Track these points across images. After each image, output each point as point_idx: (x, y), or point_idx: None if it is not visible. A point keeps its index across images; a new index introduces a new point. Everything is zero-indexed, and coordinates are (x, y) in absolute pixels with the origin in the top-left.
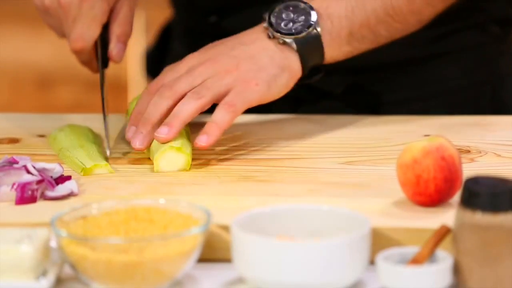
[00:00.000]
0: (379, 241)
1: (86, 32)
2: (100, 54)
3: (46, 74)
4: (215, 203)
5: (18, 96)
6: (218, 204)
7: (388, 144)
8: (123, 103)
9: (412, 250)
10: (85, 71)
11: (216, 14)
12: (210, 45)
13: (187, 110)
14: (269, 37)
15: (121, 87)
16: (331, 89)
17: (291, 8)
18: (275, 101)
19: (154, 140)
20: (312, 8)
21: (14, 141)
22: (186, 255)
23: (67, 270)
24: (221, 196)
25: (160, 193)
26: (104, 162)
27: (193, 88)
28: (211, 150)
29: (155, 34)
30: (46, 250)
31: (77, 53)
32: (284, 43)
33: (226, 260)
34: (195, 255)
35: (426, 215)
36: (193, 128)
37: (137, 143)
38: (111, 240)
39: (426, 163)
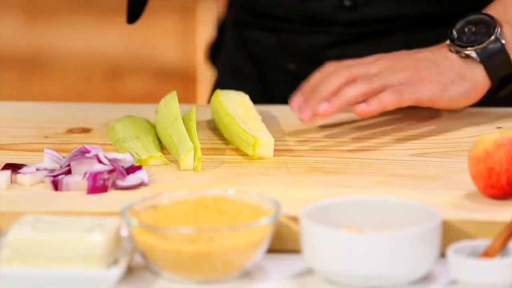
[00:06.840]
0: (450, 233)
1: None
2: None
3: (115, 64)
4: (284, 194)
5: (88, 86)
6: (287, 195)
7: (459, 136)
8: (191, 93)
9: (483, 243)
10: (154, 62)
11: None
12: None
13: (351, 92)
14: (451, 52)
15: (190, 78)
16: None
17: (472, 22)
18: None
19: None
20: (492, 18)
21: (86, 130)
22: (255, 246)
23: (138, 259)
24: (290, 187)
25: (229, 183)
26: (159, 153)
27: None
28: (279, 142)
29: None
30: (117, 239)
31: None
32: (467, 56)
33: (295, 251)
34: (264, 245)
35: (498, 208)
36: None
37: (305, 115)
38: (180, 230)
39: (499, 156)
